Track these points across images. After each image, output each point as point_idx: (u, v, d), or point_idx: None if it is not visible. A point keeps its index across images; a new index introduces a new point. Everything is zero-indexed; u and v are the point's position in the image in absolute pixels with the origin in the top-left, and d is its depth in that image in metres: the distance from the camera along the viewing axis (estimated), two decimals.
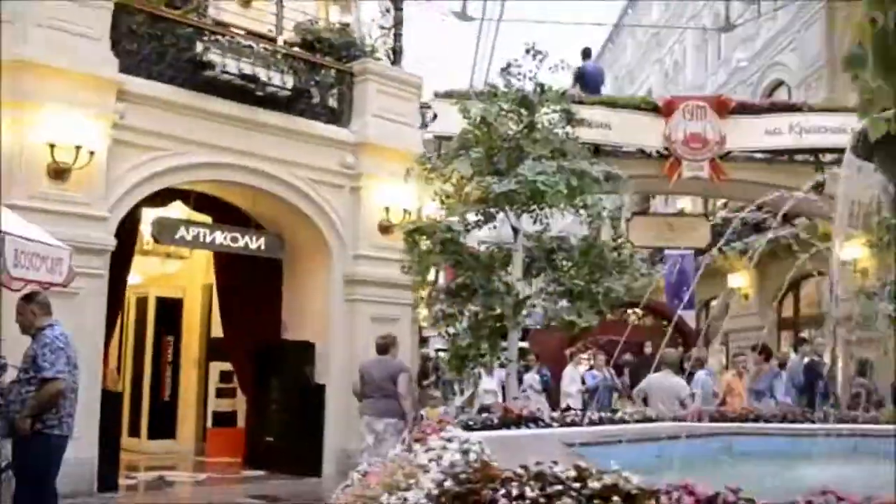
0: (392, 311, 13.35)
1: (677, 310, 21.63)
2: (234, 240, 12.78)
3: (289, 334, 13.70)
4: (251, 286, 13.68)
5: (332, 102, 13.45)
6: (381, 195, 13.52)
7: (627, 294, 11.25)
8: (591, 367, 15.51)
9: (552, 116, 11.23)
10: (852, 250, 18.57)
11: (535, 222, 11.17)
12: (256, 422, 13.86)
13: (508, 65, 11.42)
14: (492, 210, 11.13)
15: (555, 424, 8.23)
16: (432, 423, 7.37)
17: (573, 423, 8.33)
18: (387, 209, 13.46)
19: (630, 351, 18.06)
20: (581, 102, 14.71)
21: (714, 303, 29.14)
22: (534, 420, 8.18)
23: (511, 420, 8.04)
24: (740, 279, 25.46)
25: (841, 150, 14.91)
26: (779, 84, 27.35)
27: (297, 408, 13.28)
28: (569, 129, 11.31)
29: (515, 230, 11.19)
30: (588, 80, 18.31)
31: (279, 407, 13.62)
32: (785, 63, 26.87)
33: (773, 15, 26.96)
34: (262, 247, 13.11)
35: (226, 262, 13.70)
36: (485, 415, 8.02)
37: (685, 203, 30.59)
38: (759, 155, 15.83)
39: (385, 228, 13.48)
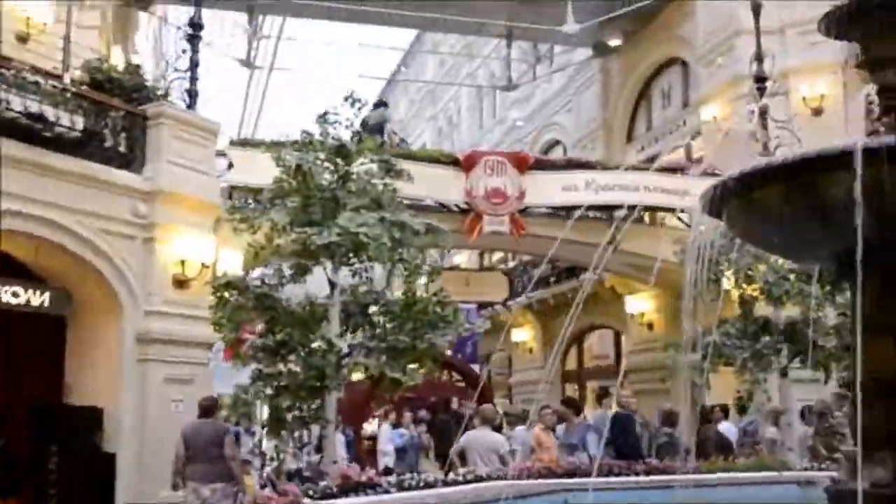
0: (188, 371, 12.45)
1: (464, 364, 21.74)
2: (16, 294, 11.48)
3: (73, 398, 12.42)
4: (29, 344, 12.32)
5: (124, 147, 12.46)
6: (177, 247, 12.65)
7: None
8: (396, 426, 15.11)
9: (370, 167, 10.87)
10: (640, 304, 19.43)
11: (354, 276, 10.73)
12: (37, 495, 12.40)
13: (325, 113, 11.00)
14: (308, 263, 10.58)
15: (392, 490, 7.81)
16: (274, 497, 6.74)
17: (410, 488, 7.95)
18: (183, 262, 12.60)
19: (427, 407, 17.88)
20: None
21: (494, 356, 29.60)
22: (372, 486, 7.72)
23: (350, 487, 7.55)
24: (524, 333, 26.02)
25: (632, 207, 15.47)
26: (555, 143, 28.49)
27: (82, 479, 11.98)
28: (387, 180, 10.99)
29: (332, 284, 10.70)
30: (371, 130, 18.16)
31: (60, 478, 12.24)
32: (561, 123, 28.05)
33: (549, 77, 28.11)
34: (47, 302, 11.85)
35: None
36: (322, 483, 7.47)
37: (461, 258, 31.09)
38: (556, 211, 16.18)
39: (181, 282, 12.60)
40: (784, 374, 11.32)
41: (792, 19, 17.04)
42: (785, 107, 16.36)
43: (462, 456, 11.08)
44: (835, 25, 5.86)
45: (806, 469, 9.18)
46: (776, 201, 5.38)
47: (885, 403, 5.45)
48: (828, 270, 10.85)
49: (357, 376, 11.91)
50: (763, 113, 15.15)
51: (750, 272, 11.31)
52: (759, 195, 5.44)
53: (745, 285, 11.37)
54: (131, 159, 12.55)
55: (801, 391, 12.04)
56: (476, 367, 24.46)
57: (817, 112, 16.47)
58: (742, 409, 12.49)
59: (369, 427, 18.05)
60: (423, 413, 16.79)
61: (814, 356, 10.87)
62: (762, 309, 11.32)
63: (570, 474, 8.97)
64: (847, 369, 10.56)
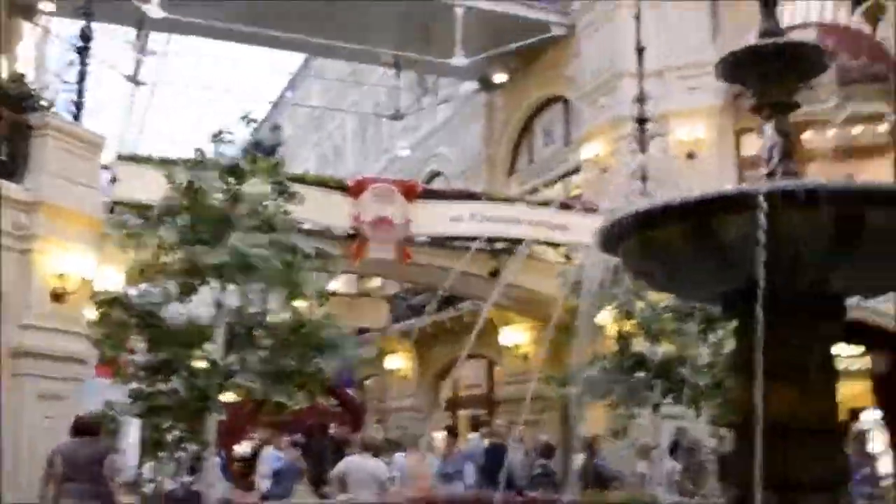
0: (61, 387, 12.02)
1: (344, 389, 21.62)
2: None
3: None
4: None
5: (6, 156, 12.04)
6: (56, 260, 12.25)
7: None
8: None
9: (263, 189, 10.77)
10: (515, 335, 19.74)
11: (242, 297, 10.57)
12: None
13: (220, 132, 10.86)
14: (194, 282, 10.38)
15: None
16: None
17: None
18: (61, 275, 12.20)
19: (303, 431, 17.65)
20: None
21: (367, 382, 29.54)
22: None
23: None
24: (399, 360, 26.05)
25: (518, 241, 15.74)
26: (437, 174, 28.73)
27: None
28: (280, 202, 10.91)
29: (219, 304, 10.52)
30: (265, 152, 18.01)
31: None
32: (445, 154, 28.35)
33: (434, 109, 28.40)
34: None
35: None
36: None
37: (337, 283, 30.90)
38: (442, 240, 16.33)
39: (58, 296, 12.19)
40: (656, 409, 11.67)
41: (671, 63, 17.78)
42: (662, 148, 16.99)
43: (342, 482, 11.03)
44: (730, 69, 6.14)
45: None
46: (673, 240, 5.58)
47: (766, 445, 5.71)
48: (703, 310, 11.36)
49: (231, 397, 11.70)
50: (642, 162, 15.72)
51: (629, 309, 11.66)
52: (656, 233, 5.63)
53: (623, 321, 11.71)
54: (13, 169, 12.15)
55: (672, 427, 12.45)
56: (351, 393, 24.32)
57: (690, 155, 17.18)
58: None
59: (240, 449, 17.73)
60: (298, 437, 16.58)
61: (686, 393, 11.26)
62: (639, 344, 11.67)
63: None
64: (719, 407, 10.99)
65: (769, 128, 5.66)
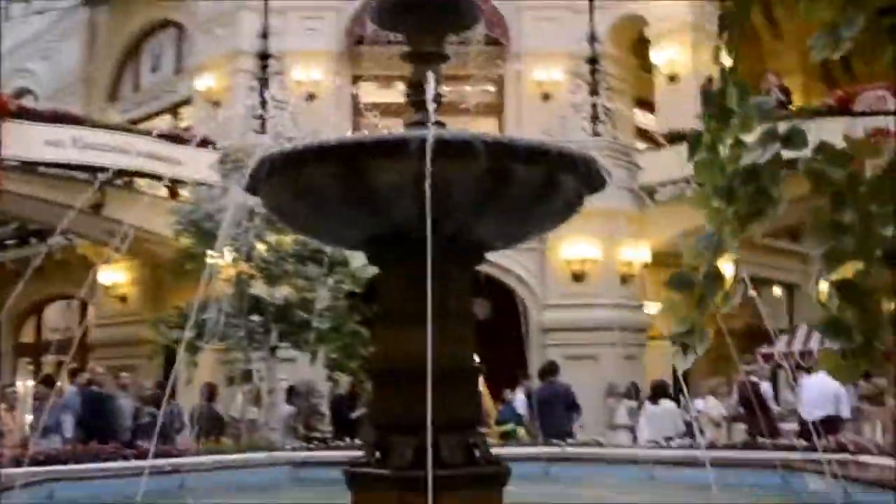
0: None
1: None
2: None
3: None
4: None
5: None
6: None
7: None
8: None
9: None
10: (114, 275, 18.40)
11: None
12: None
13: None
14: None
15: None
16: None
17: None
18: None
19: None
20: None
21: None
22: None
23: None
24: None
25: (122, 171, 14.56)
26: (26, 92, 26.00)
27: None
28: None
29: None
30: None
31: None
32: (35, 71, 25.75)
33: (26, 18, 25.59)
34: None
35: None
36: None
37: None
38: (36, 166, 14.55)
39: None
40: (273, 352, 11.39)
41: (293, 3, 17.35)
42: (282, 88, 16.58)
43: None
44: (386, 16, 5.98)
45: (294, 449, 9.28)
46: (326, 181, 5.29)
47: (408, 390, 5.62)
48: (323, 253, 11.22)
49: None
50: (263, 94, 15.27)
51: (248, 251, 11.22)
52: (309, 173, 5.31)
53: (243, 263, 11.24)
54: None
55: (288, 371, 12.24)
56: None
57: (311, 97, 16.95)
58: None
59: None
60: None
61: (304, 337, 11.09)
62: (258, 287, 11.26)
63: (52, 461, 8.10)
64: (338, 351, 10.94)
65: (431, 76, 5.53)
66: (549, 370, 11.08)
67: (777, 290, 21.34)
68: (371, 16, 6.06)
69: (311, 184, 5.35)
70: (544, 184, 5.44)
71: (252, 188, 5.64)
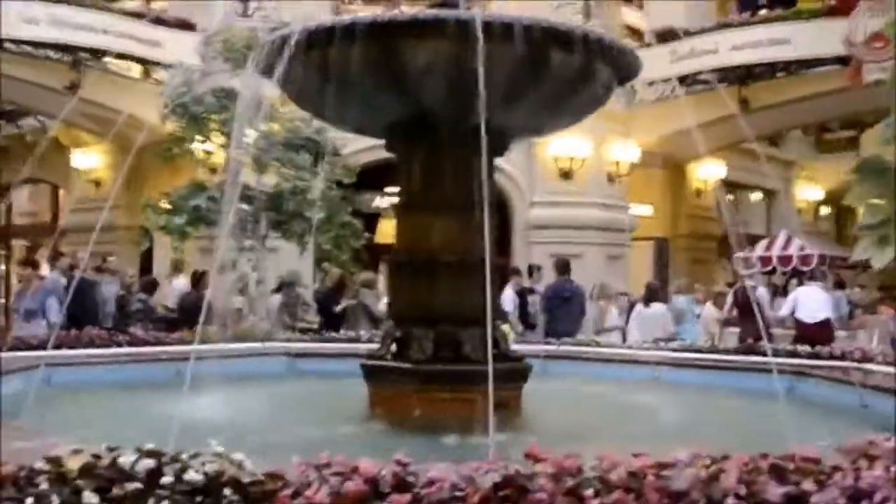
0: None
1: None
2: None
3: None
4: None
5: None
6: None
7: None
8: None
9: None
10: (88, 159, 17.88)
11: None
12: None
13: None
14: None
15: None
16: None
17: None
18: None
19: None
20: None
21: None
22: None
23: None
24: None
25: (101, 52, 14.01)
26: None
27: None
28: None
29: None
30: None
31: None
32: None
33: None
34: None
35: None
36: None
37: None
38: (11, 43, 13.86)
39: None
40: (262, 242, 11.15)
41: None
42: None
43: None
44: None
45: (290, 340, 9.10)
46: (353, 62, 4.98)
47: (428, 280, 5.44)
48: (314, 142, 10.91)
49: None
50: None
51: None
52: (334, 53, 4.99)
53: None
54: None
55: (272, 261, 11.99)
56: None
57: None
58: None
59: None
60: None
61: (295, 227, 10.85)
62: (247, 175, 10.94)
63: (43, 346, 7.86)
64: (330, 241, 10.70)
65: None
66: (566, 266, 10.77)
67: (756, 196, 21.35)
68: None
69: (337, 64, 5.04)
70: (580, 72, 5.21)
71: (267, 70, 5.27)
